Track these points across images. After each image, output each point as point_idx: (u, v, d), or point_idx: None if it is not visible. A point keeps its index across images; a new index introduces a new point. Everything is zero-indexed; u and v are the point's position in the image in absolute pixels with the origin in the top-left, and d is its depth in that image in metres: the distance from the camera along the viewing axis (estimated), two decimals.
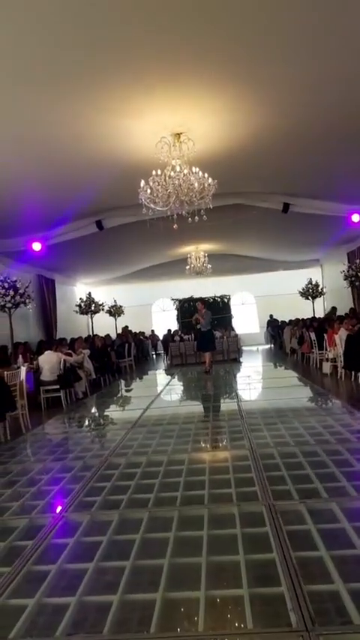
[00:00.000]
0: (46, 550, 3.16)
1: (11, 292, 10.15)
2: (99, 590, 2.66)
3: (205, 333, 13.11)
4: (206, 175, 6.54)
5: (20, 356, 10.28)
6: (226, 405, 8.53)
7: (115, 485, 4.34)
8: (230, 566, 2.76)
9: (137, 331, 20.65)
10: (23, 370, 7.75)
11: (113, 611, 2.40)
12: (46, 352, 9.79)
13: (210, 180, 6.54)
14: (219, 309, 20.50)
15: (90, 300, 17.29)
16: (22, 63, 4.62)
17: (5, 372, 7.08)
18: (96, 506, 3.86)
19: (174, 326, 20.18)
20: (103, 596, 2.57)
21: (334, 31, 4.57)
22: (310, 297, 18.18)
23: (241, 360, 16.51)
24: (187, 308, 18.99)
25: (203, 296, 20.14)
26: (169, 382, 13.06)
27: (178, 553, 2.95)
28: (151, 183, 6.44)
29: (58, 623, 2.34)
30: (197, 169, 6.50)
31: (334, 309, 16.40)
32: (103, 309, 18.09)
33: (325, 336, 11.13)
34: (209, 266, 15.35)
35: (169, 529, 3.28)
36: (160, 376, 15.08)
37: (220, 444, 5.74)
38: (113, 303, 19.52)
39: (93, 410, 9.53)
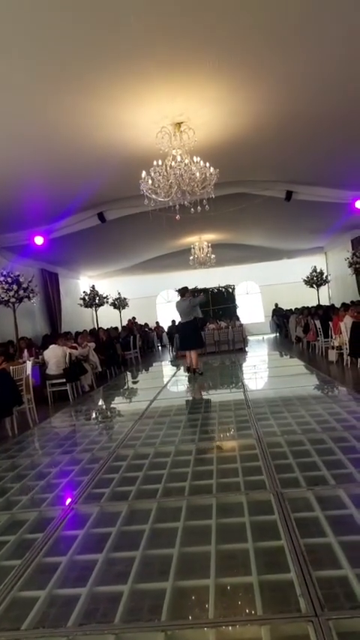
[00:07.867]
0: (56, 542, 3.18)
1: (14, 287, 10.15)
2: (109, 580, 2.67)
3: (184, 326, 10.85)
4: (207, 165, 6.50)
5: (26, 350, 10.32)
6: (233, 394, 8.53)
7: (124, 476, 4.36)
8: (239, 554, 2.77)
9: (142, 323, 20.66)
10: (29, 365, 7.78)
11: (124, 600, 2.42)
12: (51, 346, 9.81)
13: (212, 169, 6.50)
14: (224, 299, 20.52)
15: (94, 293, 17.29)
16: (20, 55, 4.60)
17: (11, 367, 7.11)
18: (105, 497, 3.88)
19: (178, 317, 20.13)
20: (114, 586, 2.59)
21: (335, 16, 4.52)
22: (314, 285, 18.16)
23: (247, 349, 16.52)
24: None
25: (208, 286, 20.17)
26: (174, 373, 13.07)
27: (188, 542, 2.96)
28: (152, 174, 6.41)
29: (70, 614, 2.36)
30: (198, 159, 6.46)
31: None
32: (107, 302, 18.09)
33: (331, 323, 11.12)
34: (213, 256, 15.27)
35: (177, 519, 3.29)
36: (166, 368, 15.08)
37: (228, 434, 5.74)
38: (117, 296, 19.52)
39: (100, 402, 9.56)
